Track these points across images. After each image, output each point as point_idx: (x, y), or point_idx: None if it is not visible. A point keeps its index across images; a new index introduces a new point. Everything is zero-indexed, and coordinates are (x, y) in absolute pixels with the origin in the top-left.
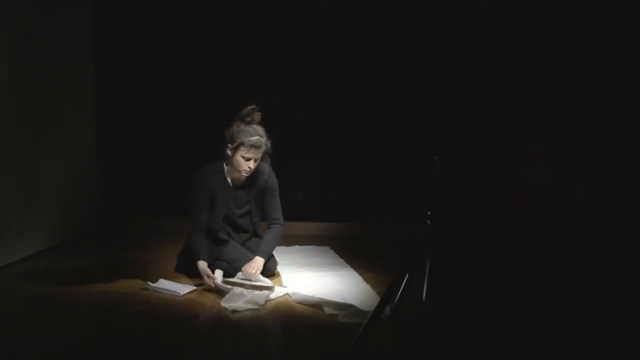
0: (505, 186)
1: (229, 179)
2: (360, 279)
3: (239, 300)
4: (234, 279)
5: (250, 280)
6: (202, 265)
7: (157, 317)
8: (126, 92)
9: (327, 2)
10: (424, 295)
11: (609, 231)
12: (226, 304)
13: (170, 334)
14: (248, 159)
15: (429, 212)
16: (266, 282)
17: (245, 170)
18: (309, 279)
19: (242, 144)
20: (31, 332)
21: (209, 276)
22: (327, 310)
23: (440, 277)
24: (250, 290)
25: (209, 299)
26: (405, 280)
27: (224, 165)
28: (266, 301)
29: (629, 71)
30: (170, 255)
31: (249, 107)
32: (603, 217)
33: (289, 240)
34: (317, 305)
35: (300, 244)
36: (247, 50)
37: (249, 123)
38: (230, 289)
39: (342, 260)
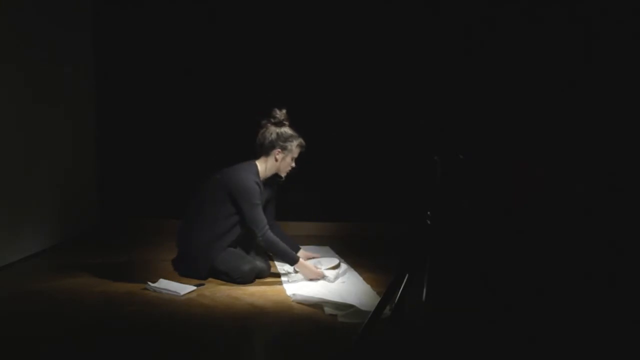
0: (505, 186)
1: (261, 181)
2: (360, 279)
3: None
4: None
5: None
6: (305, 265)
7: (157, 317)
8: (126, 93)
9: None
10: (424, 295)
11: (609, 231)
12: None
13: (170, 334)
14: (294, 160)
15: (429, 212)
16: (330, 262)
17: (289, 170)
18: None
19: (296, 146)
20: (31, 332)
21: (318, 274)
22: (327, 310)
23: (440, 277)
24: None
25: (208, 299)
26: (405, 280)
27: (257, 165)
28: (336, 278)
29: (629, 71)
30: (170, 256)
31: (282, 111)
32: (603, 217)
33: None
34: (317, 305)
35: (300, 244)
36: (247, 51)
37: (283, 125)
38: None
39: (342, 260)
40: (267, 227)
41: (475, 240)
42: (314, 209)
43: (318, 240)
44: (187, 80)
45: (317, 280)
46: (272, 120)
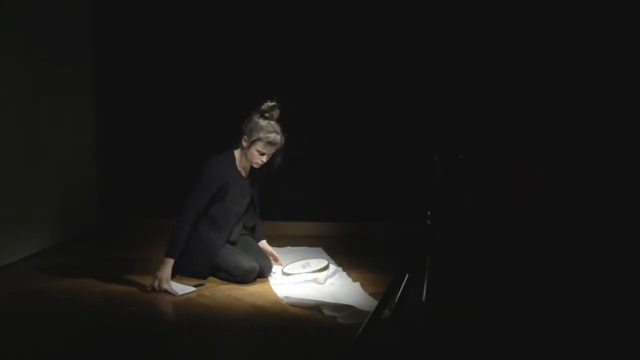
0: (505, 186)
1: (239, 169)
2: (349, 279)
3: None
4: (291, 271)
5: (305, 268)
6: (169, 267)
7: (157, 317)
8: (126, 93)
9: None
10: (424, 295)
11: (609, 231)
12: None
13: (170, 334)
14: (262, 154)
15: (429, 212)
16: (319, 264)
17: (257, 163)
18: (302, 280)
19: (259, 139)
20: (31, 332)
21: (161, 281)
22: (327, 312)
23: (440, 277)
24: (311, 274)
25: (208, 299)
26: (405, 280)
27: (234, 154)
28: (326, 279)
29: (629, 71)
30: None
31: (270, 104)
32: (603, 217)
33: (283, 240)
34: (315, 307)
35: (292, 245)
36: (248, 52)
37: (267, 119)
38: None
39: (331, 262)
40: (190, 217)
41: (475, 240)
42: (314, 209)
43: (318, 241)
44: (187, 80)
45: (159, 283)
46: (259, 110)
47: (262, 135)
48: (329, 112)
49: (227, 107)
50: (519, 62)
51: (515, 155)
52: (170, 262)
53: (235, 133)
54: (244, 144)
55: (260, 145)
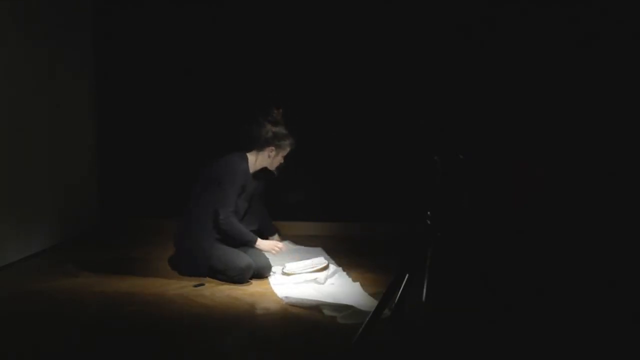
0: (505, 186)
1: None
2: (349, 279)
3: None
4: (291, 271)
5: (305, 268)
6: (263, 242)
7: (157, 317)
8: (127, 92)
9: None
10: (424, 295)
11: (609, 231)
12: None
13: (170, 334)
14: (283, 157)
15: (429, 212)
16: (319, 264)
17: (278, 167)
18: (302, 280)
19: (288, 145)
20: (31, 332)
21: (276, 246)
22: (327, 312)
23: (440, 277)
24: (311, 274)
25: (208, 299)
26: (405, 280)
27: (248, 158)
28: (326, 279)
29: (629, 71)
30: (169, 255)
31: (279, 110)
32: (603, 217)
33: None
34: (315, 307)
35: (292, 245)
36: (247, 51)
37: (279, 124)
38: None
39: (331, 262)
40: (232, 212)
41: (475, 240)
42: (314, 209)
43: (318, 240)
44: (187, 80)
45: (276, 251)
46: (269, 119)
47: (288, 142)
48: (329, 112)
49: (227, 107)
50: (519, 62)
51: (515, 155)
52: (260, 241)
53: (236, 133)
54: (272, 154)
55: (288, 150)
